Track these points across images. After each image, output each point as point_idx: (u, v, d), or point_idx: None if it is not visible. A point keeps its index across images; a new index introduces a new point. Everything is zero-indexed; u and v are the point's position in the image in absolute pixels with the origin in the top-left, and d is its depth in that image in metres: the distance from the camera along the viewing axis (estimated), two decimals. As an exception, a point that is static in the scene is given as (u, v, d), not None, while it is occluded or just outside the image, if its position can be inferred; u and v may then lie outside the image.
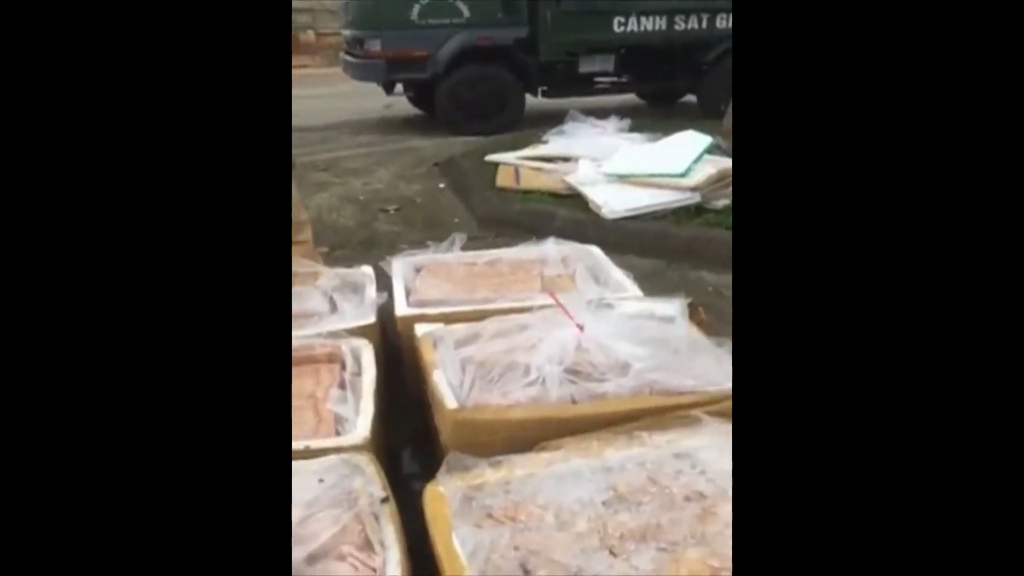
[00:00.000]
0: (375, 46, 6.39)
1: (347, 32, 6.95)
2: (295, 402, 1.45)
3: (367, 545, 1.02)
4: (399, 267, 2.04)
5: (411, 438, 1.74)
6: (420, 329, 1.64)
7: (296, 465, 1.17)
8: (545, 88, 6.93)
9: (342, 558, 0.99)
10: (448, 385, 1.39)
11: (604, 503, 1.13)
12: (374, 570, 0.98)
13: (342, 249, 3.85)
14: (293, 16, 13.26)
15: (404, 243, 4.00)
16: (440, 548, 1.02)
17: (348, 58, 6.83)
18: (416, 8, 6.24)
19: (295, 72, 12.22)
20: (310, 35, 13.32)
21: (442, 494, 1.12)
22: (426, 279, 1.99)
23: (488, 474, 1.17)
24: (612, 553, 1.04)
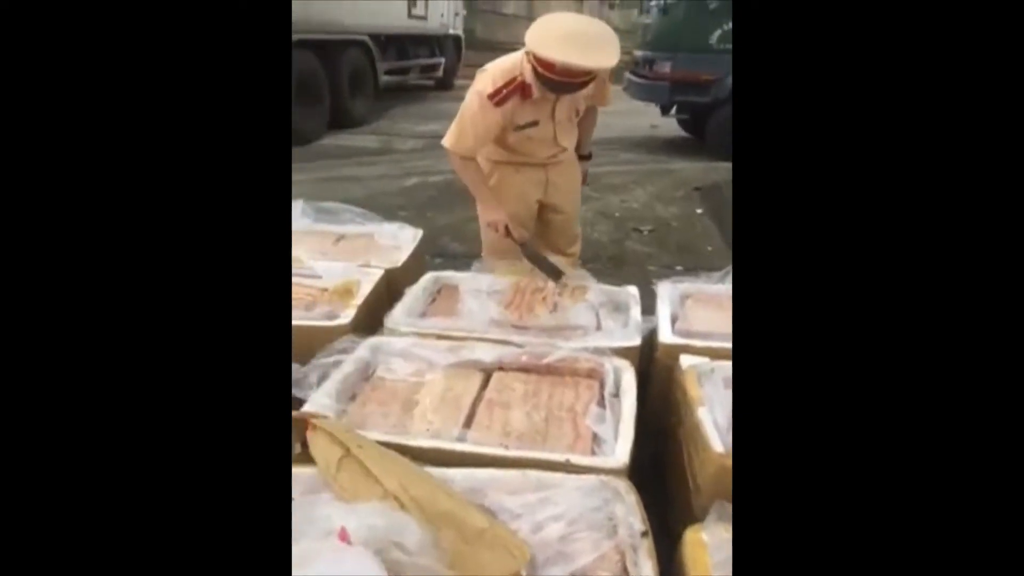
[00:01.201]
0: (664, 68, 6.45)
1: (639, 53, 7.07)
2: (555, 412, 1.47)
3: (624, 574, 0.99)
4: (665, 292, 1.99)
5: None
6: (685, 361, 1.58)
7: (556, 478, 1.19)
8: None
9: (601, 585, 0.98)
10: (715, 426, 1.32)
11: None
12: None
13: (592, 264, 3.89)
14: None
15: (654, 265, 3.97)
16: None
17: (633, 77, 6.97)
18: (718, 33, 6.19)
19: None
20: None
21: (705, 542, 1.06)
22: (694, 309, 1.93)
23: (755, 533, 1.09)
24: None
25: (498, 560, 0.92)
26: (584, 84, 1.99)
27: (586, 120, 2.40)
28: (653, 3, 7.02)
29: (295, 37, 6.03)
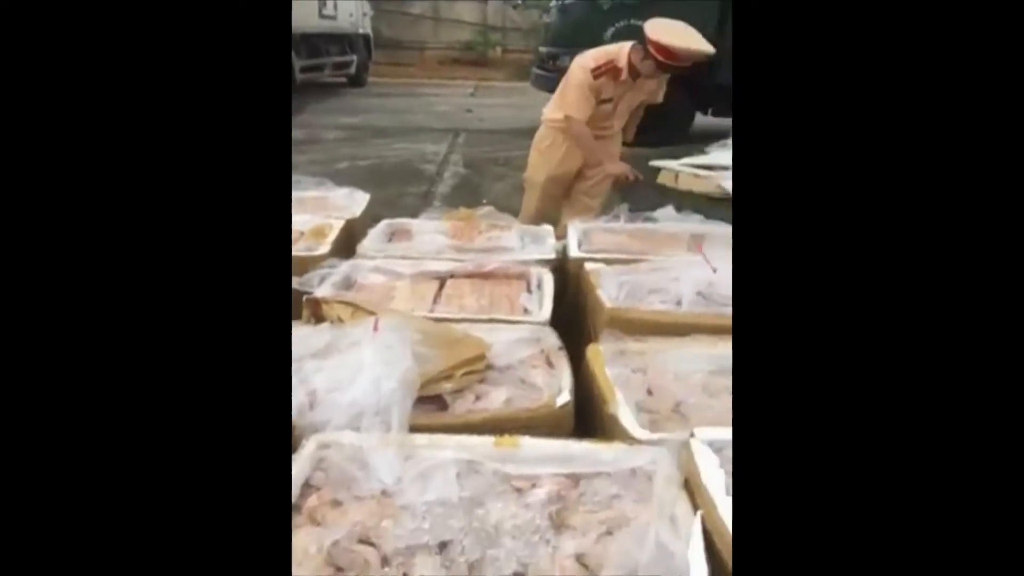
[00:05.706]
0: (565, 62, 7.09)
1: (543, 49, 7.75)
2: (496, 298, 2.03)
3: (548, 364, 1.57)
4: (573, 228, 2.58)
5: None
6: (588, 266, 2.17)
7: (504, 326, 1.74)
8: (714, 107, 7.31)
9: (535, 367, 1.55)
10: (607, 296, 1.91)
11: (710, 372, 1.60)
12: (553, 378, 1.52)
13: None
14: (487, 34, 14.47)
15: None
16: (598, 375, 1.54)
17: (539, 71, 7.68)
18: (611, 31, 6.84)
19: (483, 84, 13.07)
20: (498, 51, 14.43)
21: (600, 350, 1.64)
22: (593, 236, 2.53)
23: (631, 345, 1.67)
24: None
25: (471, 347, 1.47)
26: (686, 68, 2.82)
27: (637, 112, 3.25)
28: (553, 4, 7.71)
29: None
